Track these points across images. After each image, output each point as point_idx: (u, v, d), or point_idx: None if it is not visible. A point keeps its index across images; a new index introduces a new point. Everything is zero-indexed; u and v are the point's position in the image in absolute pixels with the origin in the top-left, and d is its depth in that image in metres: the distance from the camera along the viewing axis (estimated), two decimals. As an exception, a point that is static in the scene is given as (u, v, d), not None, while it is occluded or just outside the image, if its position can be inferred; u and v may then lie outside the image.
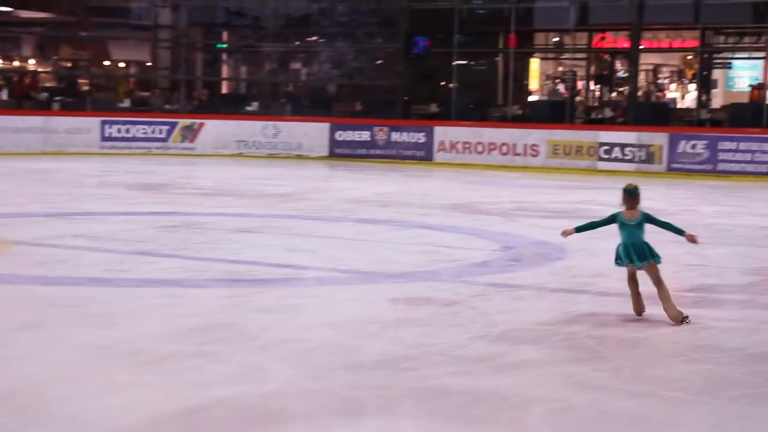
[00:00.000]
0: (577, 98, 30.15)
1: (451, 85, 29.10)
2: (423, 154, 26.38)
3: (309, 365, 6.30)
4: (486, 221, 14.07)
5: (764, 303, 8.81)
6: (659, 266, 7.78)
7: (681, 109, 29.45)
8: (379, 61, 32.12)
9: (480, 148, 25.80)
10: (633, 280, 7.90)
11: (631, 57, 27.52)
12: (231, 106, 30.49)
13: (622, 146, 24.27)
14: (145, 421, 5.21)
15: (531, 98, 30.99)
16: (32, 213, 14.05)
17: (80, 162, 24.11)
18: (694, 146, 23.73)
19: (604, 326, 7.61)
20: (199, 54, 34.66)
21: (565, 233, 8.06)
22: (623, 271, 9.25)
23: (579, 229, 8.07)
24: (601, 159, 24.44)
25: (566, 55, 31.36)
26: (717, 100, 29.66)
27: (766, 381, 6.25)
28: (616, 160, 24.23)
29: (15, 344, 6.79)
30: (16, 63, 33.81)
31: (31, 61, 33.50)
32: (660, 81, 32.58)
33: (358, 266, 10.19)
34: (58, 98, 29.57)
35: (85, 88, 32.92)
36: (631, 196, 7.82)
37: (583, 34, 30.26)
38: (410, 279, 9.46)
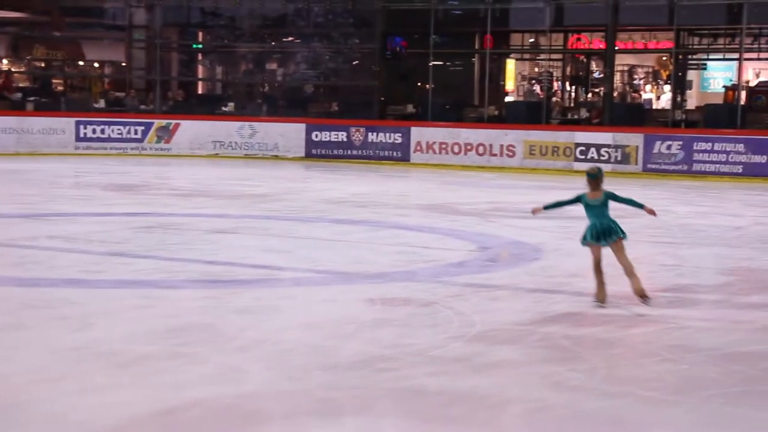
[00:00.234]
0: (554, 99, 30.25)
1: (427, 85, 29.13)
2: (400, 155, 26.40)
3: (286, 366, 6.29)
4: (463, 222, 14.09)
5: (739, 303, 8.86)
6: (624, 242, 8.24)
7: (656, 110, 29.63)
8: (355, 62, 32.11)
9: (456, 149, 25.85)
10: (599, 269, 8.25)
11: (607, 58, 27.64)
12: (207, 107, 30.40)
13: (598, 147, 24.39)
14: (122, 422, 5.19)
15: (507, 99, 31.06)
16: (6, 214, 13.96)
17: (55, 163, 23.97)
18: (669, 147, 23.87)
19: (580, 326, 7.64)
20: (175, 54, 34.52)
21: (535, 211, 8.68)
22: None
23: (547, 207, 8.61)
24: (577, 159, 24.53)
25: (542, 56, 31.47)
26: (692, 101, 29.85)
27: (741, 381, 6.29)
28: (592, 160, 24.29)
29: (-11, 346, 6.74)
30: (-11, 63, 33.60)
31: (5, 61, 33.26)
32: (635, 82, 32.77)
33: (335, 267, 10.18)
34: (32, 98, 29.38)
35: (60, 88, 32.74)
36: (593, 179, 8.28)
37: (559, 35, 30.41)
38: (387, 279, 9.46)
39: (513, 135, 25.42)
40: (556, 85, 31.88)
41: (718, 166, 23.44)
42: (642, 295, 8.16)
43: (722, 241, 12.80)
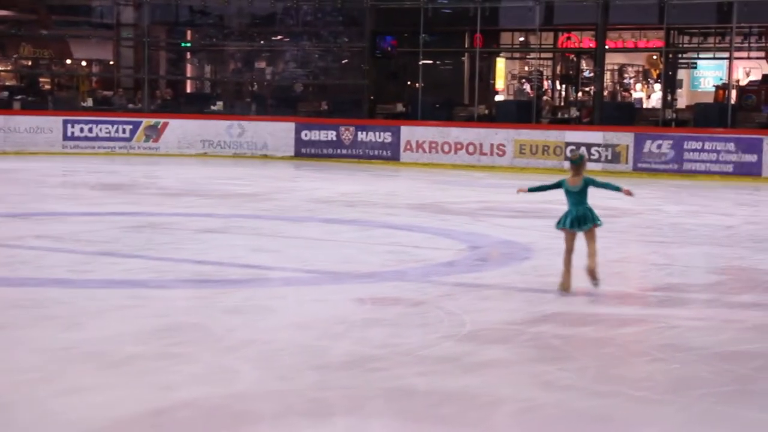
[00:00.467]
0: (544, 98, 30.27)
1: (417, 84, 29.11)
2: (389, 154, 26.37)
3: (276, 366, 6.26)
4: (453, 221, 14.07)
5: (730, 302, 8.86)
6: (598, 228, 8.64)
7: (647, 109, 29.68)
8: (344, 61, 32.08)
9: (447, 148, 25.83)
10: (569, 258, 8.61)
11: (597, 57, 27.65)
12: (195, 106, 30.32)
13: (588, 146, 24.39)
14: (111, 423, 5.15)
15: (497, 98, 31.07)
16: (-6, 213, 13.90)
17: (42, 162, 23.88)
18: (659, 146, 23.89)
19: (570, 326, 7.62)
20: (163, 53, 34.45)
21: (519, 190, 9.18)
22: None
23: (531, 189, 9.10)
24: (567, 159, 24.53)
25: (532, 55, 31.49)
26: (682, 100, 29.91)
27: (732, 380, 6.28)
28: (582, 160, 24.32)
29: (-23, 346, 6.69)
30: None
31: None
32: (626, 81, 32.82)
33: (325, 266, 10.15)
34: (18, 97, 29.27)
35: (47, 87, 32.62)
36: (575, 164, 8.64)
37: (549, 34, 30.42)
38: (377, 279, 9.43)
39: (503, 134, 25.42)
40: (546, 84, 31.90)
41: (708, 165, 23.47)
42: (592, 275, 8.53)
43: (713, 241, 12.81)
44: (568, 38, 30.87)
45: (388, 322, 7.58)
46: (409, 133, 26.32)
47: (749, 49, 28.74)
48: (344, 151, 26.78)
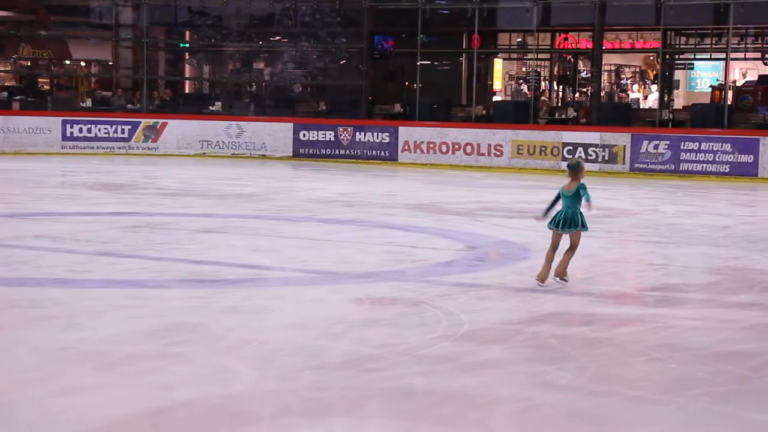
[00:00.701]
0: (541, 98, 30.30)
1: (415, 85, 29.13)
2: (387, 154, 26.38)
3: (274, 366, 6.27)
4: (451, 221, 14.08)
5: (726, 302, 8.88)
6: (583, 234, 8.98)
7: (643, 110, 29.69)
8: (342, 61, 32.09)
9: (444, 148, 25.85)
10: (552, 253, 8.91)
11: (594, 58, 27.68)
12: (194, 106, 30.34)
13: (586, 146, 24.42)
14: (109, 423, 5.16)
15: (495, 98, 31.09)
16: (-7, 213, 13.90)
17: (41, 162, 23.88)
18: (656, 146, 23.92)
19: (568, 325, 7.64)
20: (162, 53, 34.45)
21: (538, 219, 9.29)
22: (587, 270, 9.39)
23: (545, 213, 9.11)
24: (564, 159, 24.54)
25: (529, 56, 31.51)
26: (679, 101, 29.94)
27: (729, 380, 6.30)
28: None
29: (-24, 346, 6.71)
30: (-25, 62, 33.47)
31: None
32: (622, 82, 32.85)
33: (323, 266, 10.17)
34: (18, 97, 29.27)
35: (46, 87, 32.61)
36: (573, 170, 8.96)
37: (546, 35, 30.44)
38: (375, 279, 9.45)
39: (501, 134, 25.44)
40: (543, 84, 31.92)
41: (705, 165, 23.50)
42: (561, 276, 8.89)
43: (709, 241, 12.83)
44: (566, 39, 30.90)
45: (386, 322, 7.59)
46: (407, 133, 26.34)
47: (746, 50, 28.79)
48: (342, 152, 26.80)
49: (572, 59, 32.04)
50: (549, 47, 30.96)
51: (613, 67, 32.16)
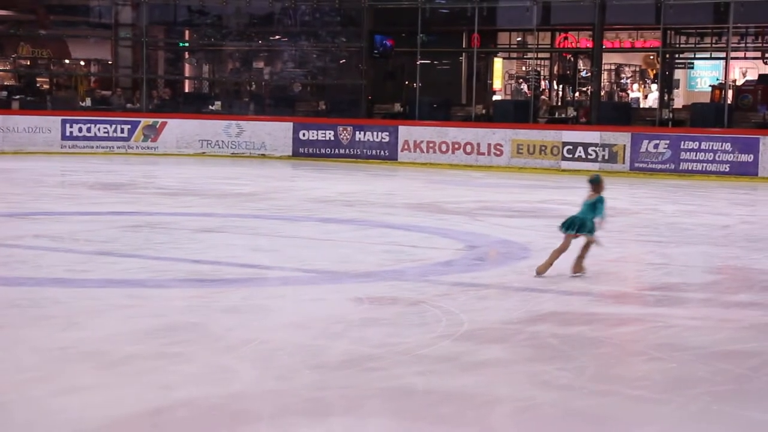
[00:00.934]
0: (541, 98, 30.30)
1: (414, 84, 29.13)
2: (387, 154, 26.38)
3: (274, 365, 6.27)
4: (450, 220, 14.08)
5: (726, 301, 8.88)
6: (594, 238, 9.42)
7: (643, 109, 29.69)
8: (342, 61, 32.09)
9: (444, 148, 25.85)
10: (559, 253, 9.35)
11: (594, 57, 27.67)
12: (194, 105, 30.32)
13: (585, 146, 24.41)
14: (108, 423, 5.16)
15: (495, 98, 31.08)
16: (-8, 213, 13.89)
17: (41, 161, 23.88)
18: (656, 146, 23.92)
19: (568, 325, 7.63)
20: (161, 53, 34.44)
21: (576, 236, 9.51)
22: (586, 270, 9.37)
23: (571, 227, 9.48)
24: (564, 158, 24.57)
25: (529, 55, 31.51)
26: (679, 100, 29.93)
27: (729, 379, 6.30)
28: (579, 159, 24.37)
29: (-25, 346, 6.70)
30: (-26, 61, 33.46)
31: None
32: (622, 81, 32.84)
33: (323, 266, 10.16)
34: (17, 97, 29.26)
35: (45, 86, 32.60)
36: (592, 184, 9.44)
37: (546, 34, 30.44)
38: (375, 278, 9.44)
39: (500, 134, 25.44)
40: (543, 83, 31.92)
41: (705, 164, 23.50)
42: (575, 272, 9.39)
43: (709, 240, 12.83)
44: (566, 38, 30.90)
45: (385, 321, 7.59)
46: (407, 132, 26.34)
47: (746, 49, 28.79)
48: (342, 151, 26.80)
49: (572, 58, 32.03)
50: (549, 46, 30.96)
51: (613, 67, 32.15)
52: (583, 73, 31.65)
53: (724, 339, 7.35)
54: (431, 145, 25.96)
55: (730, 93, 26.60)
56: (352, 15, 30.44)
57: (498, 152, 25.33)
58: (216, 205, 15.68)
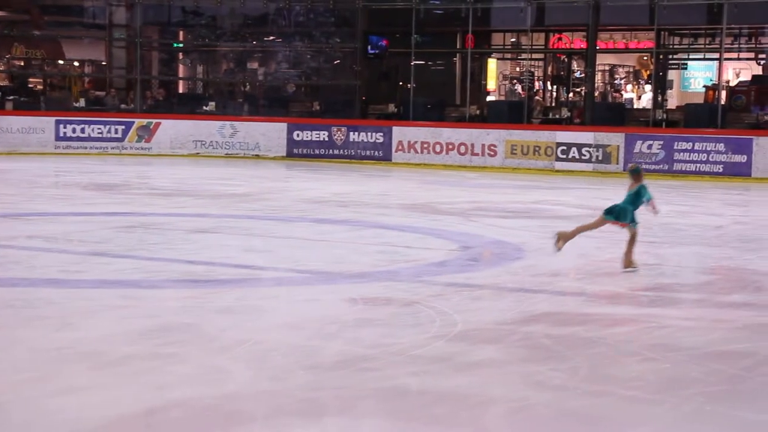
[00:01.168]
0: (535, 98, 30.33)
1: (409, 85, 29.14)
2: (381, 154, 26.40)
3: (268, 366, 6.27)
4: (444, 221, 14.09)
5: (720, 302, 8.89)
6: (636, 229, 9.86)
7: (637, 110, 29.76)
8: (336, 61, 32.09)
9: (438, 148, 25.87)
10: (588, 227, 9.99)
11: (588, 58, 27.72)
12: (188, 106, 30.32)
13: (579, 146, 24.45)
14: (103, 423, 5.16)
15: (489, 98, 31.11)
16: (-14, 213, 13.87)
17: (35, 162, 23.85)
18: (650, 146, 23.96)
19: (561, 325, 7.64)
20: (155, 53, 34.42)
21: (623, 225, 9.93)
22: (580, 270, 9.42)
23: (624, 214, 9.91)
24: (558, 159, 24.60)
25: (523, 56, 31.54)
26: (672, 101, 30.00)
27: (723, 380, 6.31)
28: (573, 160, 24.41)
29: (-31, 347, 6.69)
30: (-32, 62, 33.41)
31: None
32: (616, 82, 32.90)
33: (317, 266, 10.16)
34: (11, 97, 29.23)
35: (39, 87, 32.57)
36: (633, 174, 9.98)
37: (540, 35, 30.50)
38: (369, 279, 9.45)
39: (494, 134, 25.46)
40: (537, 84, 31.96)
41: (698, 165, 23.55)
42: (627, 266, 9.77)
43: (703, 241, 12.85)
44: (560, 39, 30.95)
45: (379, 322, 7.59)
46: (401, 133, 26.35)
47: (739, 50, 28.86)
48: (336, 152, 26.81)
49: (566, 59, 32.07)
50: (543, 47, 31.01)
51: (606, 67, 32.20)
52: (577, 74, 31.70)
53: (718, 339, 7.36)
54: (425, 145, 25.98)
55: (723, 94, 26.66)
56: (346, 15, 30.46)
57: (492, 153, 25.36)
58: (210, 205, 15.67)
